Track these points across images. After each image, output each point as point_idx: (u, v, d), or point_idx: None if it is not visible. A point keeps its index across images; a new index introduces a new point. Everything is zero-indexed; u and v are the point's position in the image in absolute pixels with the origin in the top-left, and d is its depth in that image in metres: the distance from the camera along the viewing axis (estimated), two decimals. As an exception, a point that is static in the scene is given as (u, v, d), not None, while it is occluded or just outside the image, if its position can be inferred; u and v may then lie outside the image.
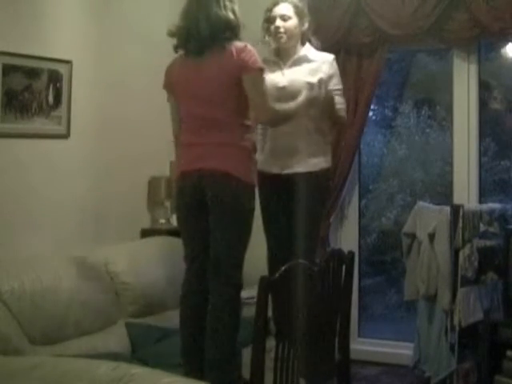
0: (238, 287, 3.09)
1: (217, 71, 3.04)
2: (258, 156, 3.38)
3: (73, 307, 3.40)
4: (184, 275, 3.21)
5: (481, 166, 4.56)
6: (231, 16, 3.07)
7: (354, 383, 3.97)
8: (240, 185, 3.05)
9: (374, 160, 5.47)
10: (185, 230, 3.23)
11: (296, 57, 3.63)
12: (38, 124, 3.80)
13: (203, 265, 3.13)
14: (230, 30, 3.05)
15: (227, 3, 3.08)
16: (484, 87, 4.67)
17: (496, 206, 4.18)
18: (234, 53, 3.02)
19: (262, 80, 3.09)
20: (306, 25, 3.66)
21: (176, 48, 3.19)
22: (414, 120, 5.42)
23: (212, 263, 3.09)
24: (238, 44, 3.05)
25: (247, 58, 3.02)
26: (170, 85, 3.24)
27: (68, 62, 3.92)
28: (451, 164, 4.60)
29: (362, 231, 5.09)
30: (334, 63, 3.69)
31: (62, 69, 3.89)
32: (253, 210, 3.13)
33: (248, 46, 3.05)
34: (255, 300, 2.84)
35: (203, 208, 3.09)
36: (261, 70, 3.07)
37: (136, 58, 4.42)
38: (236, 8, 3.11)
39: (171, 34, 3.18)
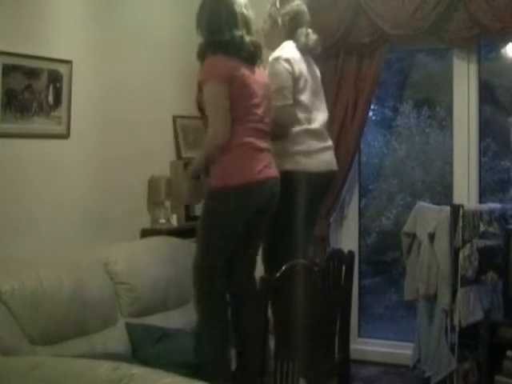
0: None
1: (265, 80, 3.37)
2: None
3: (73, 307, 3.39)
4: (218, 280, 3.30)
5: (481, 165, 4.56)
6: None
7: (354, 383, 3.97)
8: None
9: (373, 160, 5.48)
10: (229, 238, 3.28)
11: None
12: (38, 124, 3.79)
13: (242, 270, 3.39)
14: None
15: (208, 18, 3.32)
16: (485, 87, 4.66)
17: (496, 206, 4.18)
18: (263, 69, 3.42)
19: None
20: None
21: (229, 52, 3.21)
22: (414, 120, 5.43)
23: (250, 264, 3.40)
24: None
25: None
26: (229, 77, 3.16)
27: (68, 62, 3.92)
28: (451, 164, 4.60)
29: (362, 231, 5.10)
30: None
31: (61, 69, 3.89)
32: None
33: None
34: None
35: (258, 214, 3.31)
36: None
37: (136, 58, 4.42)
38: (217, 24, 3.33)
39: (229, 40, 3.24)
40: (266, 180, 3.22)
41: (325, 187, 3.70)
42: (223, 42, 3.19)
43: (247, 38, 3.25)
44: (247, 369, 3.04)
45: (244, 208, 3.22)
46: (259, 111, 3.24)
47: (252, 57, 3.27)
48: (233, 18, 3.24)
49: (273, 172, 3.29)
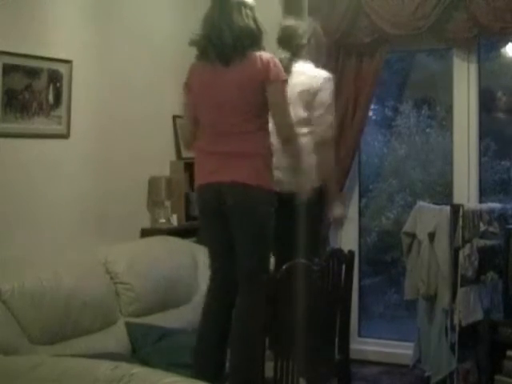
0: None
1: (239, 78, 3.08)
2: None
3: (73, 307, 3.39)
4: (208, 282, 3.28)
5: (481, 165, 4.56)
6: (252, 25, 3.12)
7: (354, 383, 3.97)
8: (259, 193, 3.11)
9: (374, 160, 5.48)
10: (208, 241, 3.32)
11: None
12: (38, 124, 3.79)
13: (226, 275, 3.20)
14: (251, 39, 3.11)
15: (248, 12, 3.14)
16: (485, 87, 4.66)
17: (496, 205, 4.18)
18: (259, 62, 3.07)
19: (284, 92, 3.13)
20: None
21: (198, 56, 3.20)
22: (414, 120, 5.43)
23: (239, 271, 3.15)
24: (265, 54, 3.11)
25: (272, 68, 3.08)
26: (189, 88, 3.25)
27: (68, 62, 3.92)
28: (451, 164, 4.60)
29: (362, 231, 5.09)
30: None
31: (61, 69, 3.89)
32: (273, 214, 3.16)
33: (274, 57, 3.13)
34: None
35: (224, 218, 3.15)
36: (284, 82, 3.13)
37: (136, 58, 4.42)
38: (257, 16, 3.16)
39: (192, 43, 3.19)
40: (208, 185, 3.16)
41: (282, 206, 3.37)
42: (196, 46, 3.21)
43: (216, 36, 3.09)
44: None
45: (201, 210, 3.27)
46: (213, 114, 3.14)
47: (224, 54, 3.09)
48: (204, 18, 3.18)
49: (219, 177, 3.11)
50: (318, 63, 3.67)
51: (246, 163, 3.10)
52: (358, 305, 4.84)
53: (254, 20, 3.14)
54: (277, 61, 3.14)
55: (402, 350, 4.58)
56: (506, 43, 4.60)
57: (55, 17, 3.88)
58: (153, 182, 4.53)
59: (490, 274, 4.03)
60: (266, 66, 3.07)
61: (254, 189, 3.09)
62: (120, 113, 4.30)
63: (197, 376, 2.96)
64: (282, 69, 3.15)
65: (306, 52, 3.66)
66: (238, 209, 3.11)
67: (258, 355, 2.83)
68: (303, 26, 3.70)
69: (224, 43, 3.08)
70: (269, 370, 2.85)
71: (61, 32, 3.91)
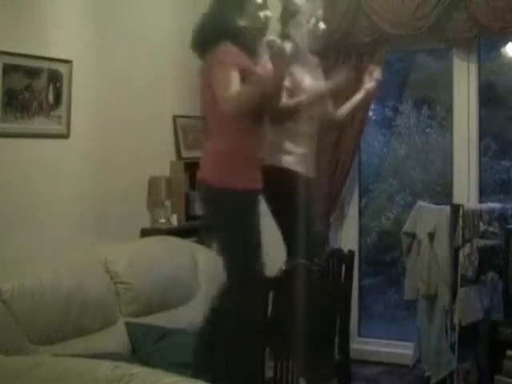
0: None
1: (203, 75, 3.05)
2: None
3: (73, 307, 3.40)
4: None
5: (481, 165, 4.56)
6: (217, 13, 3.06)
7: (354, 383, 3.97)
8: (219, 192, 2.99)
9: (374, 160, 5.48)
10: None
11: None
12: (38, 124, 3.79)
13: None
14: (212, 29, 3.02)
15: (217, 5, 3.09)
16: (485, 87, 4.66)
17: (496, 205, 4.19)
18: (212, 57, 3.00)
19: (217, 70, 2.93)
20: None
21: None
22: (414, 120, 5.43)
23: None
24: (218, 48, 2.98)
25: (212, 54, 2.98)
26: None
27: (68, 62, 3.92)
28: (451, 164, 4.60)
29: (362, 231, 5.09)
30: None
31: (61, 69, 3.89)
32: (241, 214, 3.01)
33: (221, 45, 2.97)
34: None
35: None
36: (218, 62, 2.95)
37: (136, 58, 4.42)
38: (234, 5, 3.04)
39: None
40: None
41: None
42: None
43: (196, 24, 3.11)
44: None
45: None
46: (201, 111, 3.16)
47: (195, 50, 3.11)
48: None
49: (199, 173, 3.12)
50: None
51: (210, 160, 3.05)
52: (357, 305, 4.84)
53: (223, 8, 3.03)
54: (224, 47, 2.95)
55: (402, 350, 4.58)
56: (505, 43, 4.60)
57: (55, 17, 3.88)
58: (153, 182, 4.53)
59: (490, 274, 4.03)
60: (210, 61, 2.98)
61: (214, 188, 2.99)
62: (120, 113, 4.30)
63: (197, 376, 2.97)
64: (224, 52, 2.94)
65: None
66: (204, 208, 3.11)
67: (257, 355, 2.83)
68: (300, 3, 3.51)
69: (196, 38, 3.10)
70: (269, 370, 2.86)
71: (61, 32, 3.91)
